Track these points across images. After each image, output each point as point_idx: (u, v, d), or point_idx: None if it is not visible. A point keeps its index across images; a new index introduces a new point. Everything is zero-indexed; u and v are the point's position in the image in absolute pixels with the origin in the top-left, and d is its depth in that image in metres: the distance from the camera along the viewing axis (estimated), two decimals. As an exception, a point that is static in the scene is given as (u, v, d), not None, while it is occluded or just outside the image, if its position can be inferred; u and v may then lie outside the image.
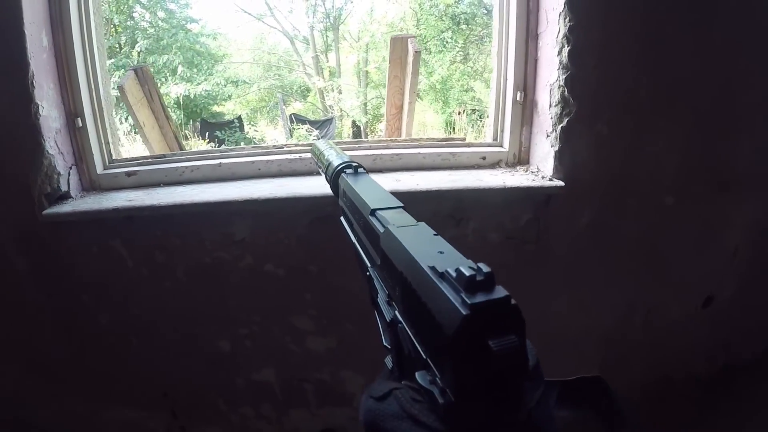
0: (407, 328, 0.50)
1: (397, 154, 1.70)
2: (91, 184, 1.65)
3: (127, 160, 1.74)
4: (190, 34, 12.89)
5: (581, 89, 1.47)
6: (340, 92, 13.69)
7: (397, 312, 0.54)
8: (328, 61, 14.27)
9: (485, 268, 0.39)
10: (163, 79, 12.02)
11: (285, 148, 1.76)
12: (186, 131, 10.29)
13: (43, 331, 1.69)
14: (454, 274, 0.39)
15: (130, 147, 6.62)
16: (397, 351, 0.55)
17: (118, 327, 1.69)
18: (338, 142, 1.88)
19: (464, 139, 1.79)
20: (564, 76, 1.46)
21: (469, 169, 1.70)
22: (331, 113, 12.61)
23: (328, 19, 14.04)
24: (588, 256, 1.67)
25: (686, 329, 1.86)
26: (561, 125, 1.50)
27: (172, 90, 11.63)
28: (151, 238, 1.56)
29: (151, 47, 12.26)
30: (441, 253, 0.48)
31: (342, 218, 0.85)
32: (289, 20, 14.60)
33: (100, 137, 1.65)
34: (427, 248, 0.49)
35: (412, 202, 1.47)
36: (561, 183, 1.51)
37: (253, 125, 12.49)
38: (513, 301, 0.37)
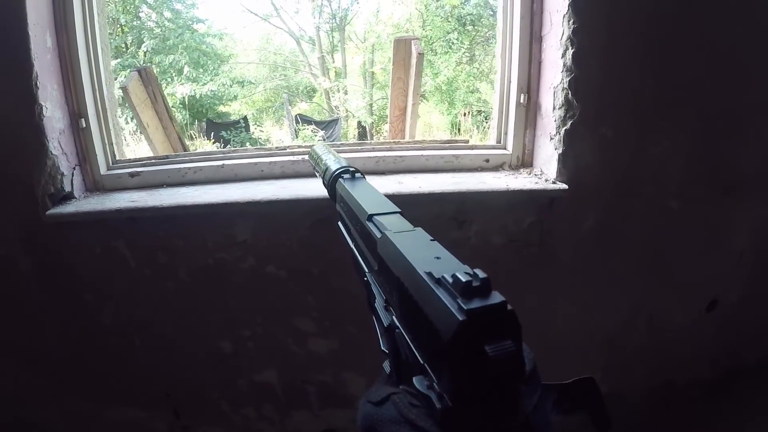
0: (404, 333, 0.50)
1: (400, 156, 1.70)
2: (95, 185, 1.66)
3: (130, 160, 1.74)
4: (197, 34, 12.91)
5: (585, 92, 1.46)
6: (345, 93, 13.69)
7: (394, 317, 0.54)
8: (333, 62, 14.27)
9: (481, 274, 0.39)
10: (169, 79, 12.04)
11: (288, 150, 1.76)
12: (192, 131, 10.32)
13: (46, 331, 1.69)
14: (450, 280, 0.40)
15: (136, 147, 6.64)
16: (395, 356, 0.55)
17: (121, 327, 1.69)
18: (341, 144, 1.88)
19: (467, 142, 1.79)
20: (568, 79, 1.45)
21: (473, 171, 1.69)
22: (337, 114, 12.62)
23: (334, 20, 14.04)
24: (592, 260, 1.67)
25: (690, 333, 1.84)
26: (565, 128, 1.49)
27: (178, 90, 11.66)
28: (153, 238, 1.56)
29: (157, 47, 12.28)
30: (438, 258, 0.48)
31: (339, 223, 0.86)
32: (295, 21, 14.60)
33: (103, 138, 1.66)
34: (424, 254, 0.49)
35: (415, 204, 1.48)
36: (564, 186, 1.50)
37: (258, 125, 12.49)
38: (509, 307, 0.38)
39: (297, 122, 10.26)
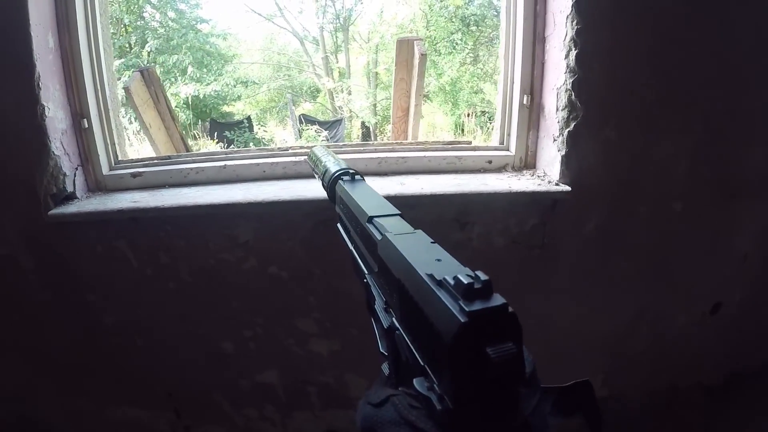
0: (405, 335, 0.51)
1: (403, 158, 1.70)
2: (97, 185, 1.66)
3: (132, 161, 1.74)
4: (200, 34, 12.94)
5: (589, 93, 1.45)
6: (349, 93, 13.69)
7: (394, 319, 0.55)
8: (337, 62, 14.28)
9: (483, 276, 0.39)
10: (173, 79, 12.07)
11: (290, 151, 1.76)
12: (195, 131, 10.33)
13: (48, 331, 1.70)
14: (452, 282, 0.40)
15: (140, 146, 6.65)
16: (395, 358, 0.56)
17: (122, 327, 1.70)
18: (344, 144, 1.88)
19: (470, 143, 1.78)
20: (571, 80, 1.44)
21: (475, 172, 1.69)
22: (341, 114, 12.62)
23: (338, 20, 14.05)
24: (594, 262, 1.66)
25: (693, 336, 1.83)
26: (568, 129, 1.48)
27: (182, 90, 11.67)
28: (155, 239, 1.56)
29: (161, 47, 12.31)
30: (438, 260, 0.48)
31: (339, 225, 0.86)
32: (299, 21, 14.61)
33: (106, 138, 1.66)
34: (425, 256, 0.50)
35: (417, 205, 1.48)
36: (567, 188, 1.50)
37: (262, 125, 12.49)
38: (510, 309, 0.38)
39: (300, 122, 10.28)
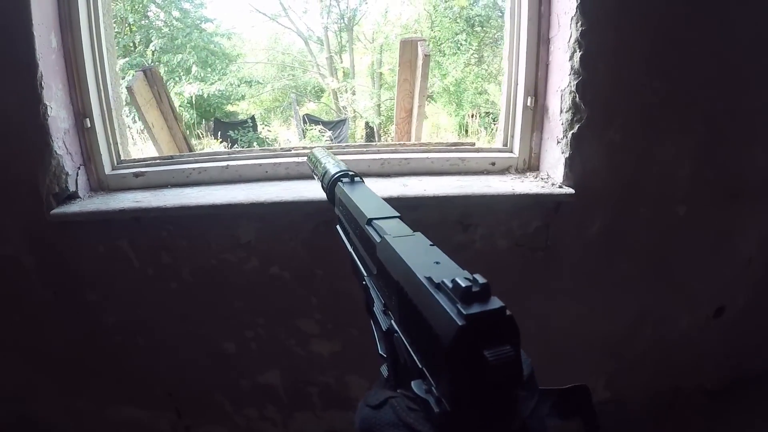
0: (403, 338, 0.51)
1: (406, 159, 1.69)
2: (99, 185, 1.66)
3: (135, 161, 1.74)
4: (205, 33, 12.99)
5: (593, 95, 1.45)
6: (353, 93, 13.72)
7: (393, 321, 0.55)
8: (342, 62, 14.32)
9: (481, 279, 0.40)
10: (177, 79, 12.12)
11: (292, 151, 1.76)
12: (199, 130, 10.36)
13: (49, 330, 1.70)
14: (450, 285, 0.40)
15: (143, 145, 6.67)
16: (393, 360, 0.56)
17: (124, 326, 1.70)
18: (347, 145, 1.88)
19: (473, 144, 1.78)
20: (575, 82, 1.44)
21: (478, 174, 1.68)
22: (345, 114, 12.66)
23: (342, 20, 14.07)
24: (597, 264, 1.65)
25: (696, 339, 1.83)
26: (572, 131, 1.48)
27: (186, 89, 11.73)
28: (157, 239, 1.56)
29: (165, 46, 12.35)
30: (437, 263, 0.48)
31: (338, 227, 0.86)
32: (303, 21, 14.73)
33: (108, 138, 1.66)
34: (424, 258, 0.50)
35: (420, 207, 1.48)
36: (571, 190, 1.49)
37: (266, 125, 12.54)
38: (508, 312, 0.38)
39: (305, 122, 10.31)
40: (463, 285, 0.38)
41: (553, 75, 1.56)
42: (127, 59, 11.45)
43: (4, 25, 1.37)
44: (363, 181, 0.90)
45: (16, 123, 1.45)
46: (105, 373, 1.76)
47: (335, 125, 10.14)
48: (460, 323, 0.37)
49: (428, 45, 3.78)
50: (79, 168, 1.59)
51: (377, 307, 0.61)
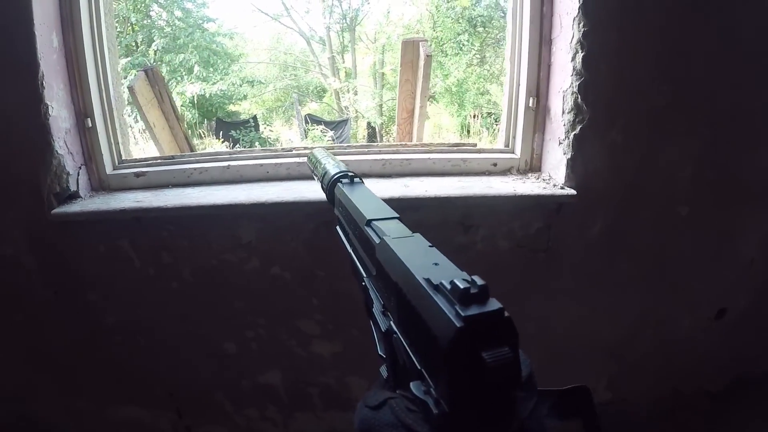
0: (402, 339, 0.51)
1: (407, 159, 1.69)
2: (100, 184, 1.66)
3: (136, 160, 1.74)
4: (207, 33, 12.99)
5: (595, 96, 1.44)
6: (355, 93, 13.72)
7: (392, 322, 0.55)
8: (344, 62, 14.32)
9: (479, 281, 0.40)
10: (179, 78, 12.12)
11: (294, 152, 1.75)
12: (201, 130, 10.37)
13: (49, 330, 1.70)
14: (448, 287, 0.40)
15: (145, 145, 6.67)
16: (392, 361, 0.56)
17: (125, 326, 1.70)
18: (348, 146, 1.87)
19: (475, 145, 1.77)
20: (577, 83, 1.43)
21: (480, 175, 1.68)
22: (347, 114, 12.66)
23: (344, 20, 14.07)
24: (599, 266, 1.65)
25: (698, 341, 1.82)
26: (574, 132, 1.47)
27: (188, 89, 11.73)
28: (158, 239, 1.56)
29: (167, 46, 12.35)
30: (436, 264, 0.48)
31: (337, 227, 0.86)
32: (305, 21, 14.66)
33: (109, 137, 1.66)
34: (423, 260, 0.50)
35: (421, 208, 1.47)
36: (573, 191, 1.49)
37: (268, 125, 12.53)
38: (506, 314, 0.38)
39: (307, 122, 10.30)
40: (462, 286, 0.39)
41: (555, 76, 1.55)
42: (129, 59, 11.45)
43: (6, 24, 1.37)
44: (362, 181, 0.90)
45: (17, 122, 1.45)
46: (105, 372, 1.76)
47: (337, 125, 10.14)
48: (458, 325, 0.37)
49: (430, 45, 3.77)
50: (80, 168, 1.59)
51: (376, 308, 0.61)
